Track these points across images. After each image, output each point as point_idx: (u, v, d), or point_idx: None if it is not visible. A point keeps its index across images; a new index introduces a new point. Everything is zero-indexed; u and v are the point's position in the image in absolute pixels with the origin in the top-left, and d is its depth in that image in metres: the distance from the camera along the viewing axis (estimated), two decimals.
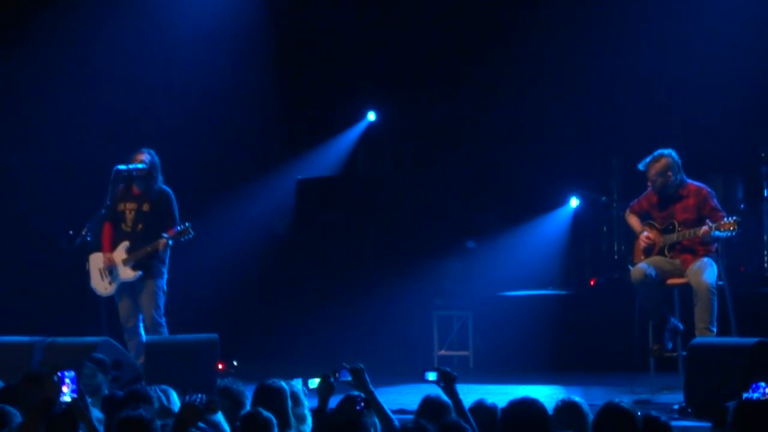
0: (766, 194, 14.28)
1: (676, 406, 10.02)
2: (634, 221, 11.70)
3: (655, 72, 14.93)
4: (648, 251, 11.46)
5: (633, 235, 11.82)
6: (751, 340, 9.96)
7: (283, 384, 8.00)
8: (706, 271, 11.10)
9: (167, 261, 12.18)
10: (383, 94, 16.16)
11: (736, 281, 12.82)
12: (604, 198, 15.12)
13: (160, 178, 12.24)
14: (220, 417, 7.37)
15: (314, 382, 7.97)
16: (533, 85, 15.40)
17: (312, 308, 15.43)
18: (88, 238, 11.97)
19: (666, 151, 11.38)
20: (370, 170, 16.56)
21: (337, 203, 16.18)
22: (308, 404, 8.20)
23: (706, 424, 8.97)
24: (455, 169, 15.89)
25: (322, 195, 16.28)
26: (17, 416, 7.26)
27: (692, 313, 11.09)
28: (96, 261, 12.20)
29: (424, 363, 12.91)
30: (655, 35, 14.88)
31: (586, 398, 7.31)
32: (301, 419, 8.05)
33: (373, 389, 7.78)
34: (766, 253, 14.26)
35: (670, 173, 11.35)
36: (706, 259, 11.20)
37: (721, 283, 11.20)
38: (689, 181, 11.44)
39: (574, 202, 15.38)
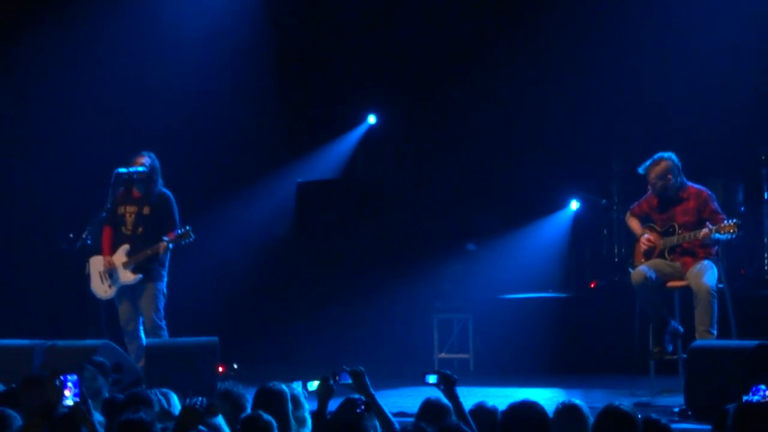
0: (766, 197, 14.24)
1: (676, 409, 10.01)
2: (634, 224, 11.70)
3: (656, 75, 14.92)
4: (648, 254, 11.45)
5: (633, 238, 11.82)
6: (752, 343, 9.95)
7: (284, 387, 7.98)
8: (707, 274, 11.09)
9: (167, 264, 12.17)
10: (383, 97, 16.16)
11: (737, 284, 12.83)
12: (604, 201, 15.11)
13: (161, 181, 12.23)
14: (220, 420, 7.35)
15: (314, 385, 7.97)
16: (533, 88, 15.39)
17: (312, 311, 15.43)
18: (89, 241, 11.96)
19: (666, 154, 11.38)
20: (371, 173, 16.56)
21: (338, 206, 16.19)
22: (309, 407, 8.19)
23: (707, 427, 8.97)
24: (455, 172, 15.89)
25: (322, 198, 16.29)
26: (17, 419, 7.24)
27: (692, 316, 11.09)
28: (96, 264, 12.19)
29: (425, 366, 12.85)
30: (655, 38, 14.87)
31: (587, 401, 7.29)
32: (301, 422, 8.04)
33: (373, 392, 7.77)
34: (766, 255, 14.23)
35: (670, 176, 11.35)
36: (706, 262, 11.20)
37: (721, 285, 11.20)
38: (689, 183, 11.44)
39: (574, 204, 15.38)
